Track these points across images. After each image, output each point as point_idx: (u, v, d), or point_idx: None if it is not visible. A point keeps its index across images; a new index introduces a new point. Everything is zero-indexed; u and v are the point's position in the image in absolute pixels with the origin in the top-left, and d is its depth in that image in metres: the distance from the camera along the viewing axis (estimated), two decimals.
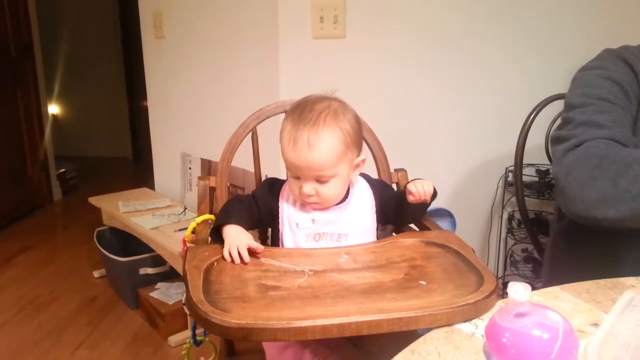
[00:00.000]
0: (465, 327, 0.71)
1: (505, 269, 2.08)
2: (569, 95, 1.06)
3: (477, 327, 0.71)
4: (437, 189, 1.00)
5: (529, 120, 1.49)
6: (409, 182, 0.99)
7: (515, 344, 0.53)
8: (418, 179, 0.99)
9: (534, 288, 2.06)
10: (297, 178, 0.98)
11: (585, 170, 0.89)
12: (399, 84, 1.89)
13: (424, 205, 1.02)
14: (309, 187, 0.96)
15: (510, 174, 1.93)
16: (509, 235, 2.04)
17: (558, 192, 0.96)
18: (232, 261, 0.87)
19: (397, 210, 1.04)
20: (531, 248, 2.03)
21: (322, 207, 1.00)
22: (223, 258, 0.89)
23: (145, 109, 2.77)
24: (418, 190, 0.96)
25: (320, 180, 0.96)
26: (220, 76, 2.18)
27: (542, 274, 1.44)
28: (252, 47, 1.98)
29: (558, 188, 0.95)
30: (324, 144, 0.93)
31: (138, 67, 3.13)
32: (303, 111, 0.96)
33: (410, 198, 0.97)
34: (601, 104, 0.98)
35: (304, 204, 1.00)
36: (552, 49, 1.88)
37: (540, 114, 1.49)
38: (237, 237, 0.92)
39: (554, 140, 1.02)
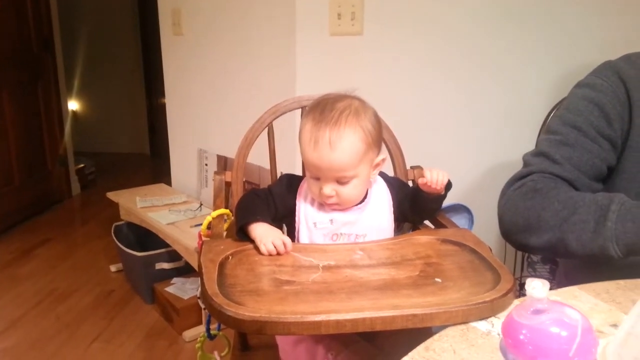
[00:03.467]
0: (481, 325, 0.71)
1: (522, 269, 2.05)
2: (554, 114, 1.13)
3: (493, 326, 0.70)
4: (452, 184, 0.99)
5: (549, 118, 1.47)
6: (425, 169, 0.99)
7: (532, 340, 0.52)
8: (435, 168, 0.98)
9: (550, 288, 2.02)
10: (317, 179, 0.96)
11: (521, 201, 1.00)
12: (415, 82, 1.88)
13: (438, 197, 1.01)
14: (329, 189, 0.95)
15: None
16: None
17: (498, 216, 1.06)
18: (275, 253, 0.88)
19: (412, 205, 1.03)
20: None
21: (342, 207, 0.99)
22: (259, 251, 0.88)
23: (163, 105, 2.80)
24: (432, 177, 0.95)
25: (340, 181, 0.94)
26: (237, 73, 2.19)
27: (556, 274, 1.42)
28: (269, 44, 1.98)
29: (498, 213, 1.06)
30: (346, 143, 0.92)
31: (156, 64, 3.15)
32: (324, 110, 0.94)
33: (421, 181, 0.97)
34: (569, 135, 1.03)
35: (323, 203, 0.99)
36: (567, 48, 1.86)
37: None
38: (269, 232, 0.91)
39: (523, 162, 1.10)
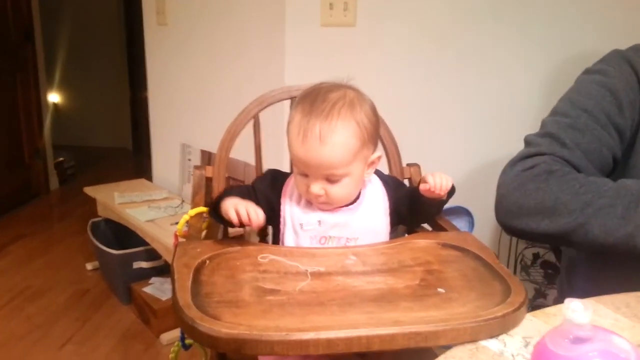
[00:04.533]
0: (492, 344, 0.62)
1: (514, 273, 1.99)
2: (561, 98, 1.04)
3: (505, 345, 0.62)
4: (455, 189, 0.91)
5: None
6: (427, 175, 0.89)
7: None
8: (437, 172, 0.89)
9: (543, 295, 1.95)
10: (305, 175, 0.87)
11: (532, 182, 0.92)
12: (409, 76, 1.80)
13: (439, 202, 0.92)
14: (317, 187, 0.85)
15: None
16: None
17: (498, 197, 0.97)
18: (247, 219, 0.81)
19: (410, 207, 0.95)
20: (542, 252, 1.95)
21: (331, 207, 0.89)
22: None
23: (147, 99, 2.69)
24: (435, 182, 0.86)
25: (330, 179, 0.85)
26: (224, 65, 2.10)
27: (558, 281, 1.35)
28: (257, 34, 1.89)
29: (499, 193, 0.97)
30: (337, 138, 0.82)
31: (141, 57, 3.05)
32: (315, 100, 0.85)
33: (423, 187, 0.88)
34: (579, 119, 0.96)
35: (310, 202, 0.90)
36: (560, 45, 1.79)
37: None
38: (244, 201, 0.84)
39: (525, 143, 1.02)
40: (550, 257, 1.87)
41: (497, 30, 1.78)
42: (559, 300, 1.19)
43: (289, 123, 0.88)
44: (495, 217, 0.99)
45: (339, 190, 0.87)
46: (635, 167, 0.97)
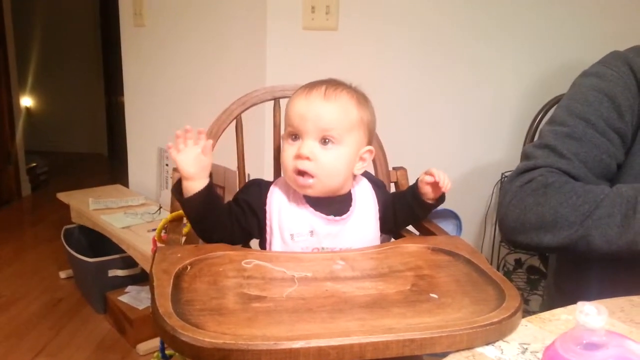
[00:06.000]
0: (488, 351, 0.59)
1: None
2: (559, 104, 1.03)
3: (502, 352, 0.59)
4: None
5: (535, 123, 1.39)
6: (432, 168, 0.90)
7: None
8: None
9: (526, 302, 1.94)
10: (296, 138, 0.85)
11: (531, 197, 0.92)
12: (391, 81, 1.79)
13: (432, 204, 0.92)
14: (307, 148, 0.83)
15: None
16: (502, 244, 1.94)
17: (499, 214, 0.98)
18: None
19: (398, 210, 0.93)
20: (525, 258, 1.94)
21: (318, 186, 0.84)
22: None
23: (123, 103, 2.63)
24: (440, 177, 0.87)
25: (323, 140, 0.83)
26: (203, 68, 2.06)
27: (545, 285, 1.34)
28: (238, 38, 1.86)
29: (500, 210, 0.97)
30: (341, 100, 0.85)
31: (117, 60, 2.98)
32: (320, 80, 0.89)
33: (427, 179, 0.88)
34: (577, 127, 0.95)
35: (297, 186, 0.85)
36: (550, 49, 1.80)
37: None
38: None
39: (522, 156, 1.02)
40: (535, 261, 1.86)
41: (483, 34, 1.77)
42: (547, 305, 1.18)
43: (291, 96, 0.89)
44: (498, 229, 1.00)
45: (328, 159, 0.84)
46: (632, 167, 0.96)
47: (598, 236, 0.84)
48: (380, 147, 1.10)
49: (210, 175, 0.83)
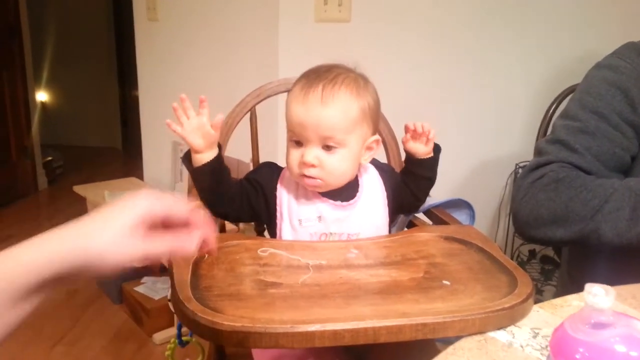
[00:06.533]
0: (500, 335, 0.61)
1: None
2: (572, 97, 1.03)
3: (514, 336, 0.60)
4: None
5: (550, 113, 1.39)
6: (405, 124, 0.91)
7: None
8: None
9: (539, 292, 1.94)
10: (299, 144, 0.84)
11: (542, 192, 0.93)
12: (405, 73, 1.79)
13: (431, 161, 0.92)
14: (311, 155, 0.82)
15: (521, 170, 1.83)
16: (516, 235, 1.94)
17: (513, 210, 1.00)
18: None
19: (407, 185, 0.94)
20: (539, 249, 1.94)
21: (324, 186, 0.85)
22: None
23: (137, 98, 2.66)
24: (416, 125, 0.88)
25: (326, 144, 0.82)
26: (216, 61, 2.07)
27: (559, 274, 1.35)
28: (251, 31, 1.87)
29: (514, 206, 0.99)
30: (339, 101, 0.82)
31: (130, 54, 3.01)
32: (319, 70, 0.86)
33: (406, 137, 0.89)
34: (589, 122, 0.95)
35: (304, 185, 0.86)
36: (565, 40, 1.79)
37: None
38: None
39: (535, 151, 1.02)
40: (549, 251, 1.87)
41: (494, 27, 1.77)
42: (560, 294, 1.18)
43: (288, 95, 0.87)
44: (512, 224, 1.01)
45: (333, 163, 0.83)
46: None
47: (608, 230, 0.85)
48: (393, 138, 1.11)
49: (220, 147, 0.84)
